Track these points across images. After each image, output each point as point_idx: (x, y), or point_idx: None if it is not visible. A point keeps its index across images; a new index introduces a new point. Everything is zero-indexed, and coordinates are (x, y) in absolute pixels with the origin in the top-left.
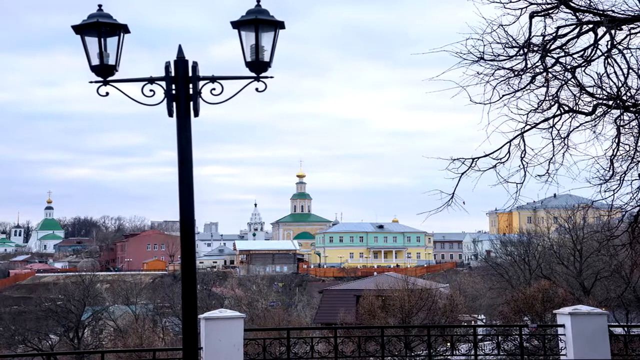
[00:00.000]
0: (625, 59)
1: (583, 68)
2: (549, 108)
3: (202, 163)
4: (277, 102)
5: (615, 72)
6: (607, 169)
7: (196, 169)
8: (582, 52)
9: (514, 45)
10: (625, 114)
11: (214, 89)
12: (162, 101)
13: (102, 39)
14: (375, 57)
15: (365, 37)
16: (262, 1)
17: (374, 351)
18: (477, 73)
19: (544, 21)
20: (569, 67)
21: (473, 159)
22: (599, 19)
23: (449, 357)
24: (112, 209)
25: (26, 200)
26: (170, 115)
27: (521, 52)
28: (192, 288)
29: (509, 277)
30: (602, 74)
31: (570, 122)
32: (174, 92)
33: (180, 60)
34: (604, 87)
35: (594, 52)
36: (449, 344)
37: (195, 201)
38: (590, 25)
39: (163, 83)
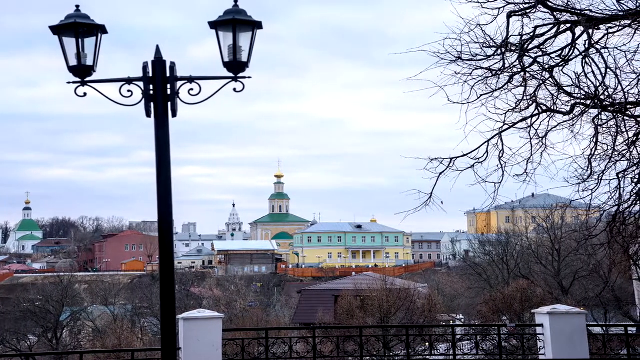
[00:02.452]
0: (603, 58)
1: (561, 67)
2: (527, 108)
3: (180, 163)
4: (255, 102)
5: (593, 72)
6: (585, 168)
7: (174, 169)
8: (560, 52)
9: (491, 45)
10: (603, 113)
11: (191, 89)
12: (140, 102)
13: (80, 40)
14: (353, 57)
15: (344, 37)
16: (240, 1)
17: (353, 351)
18: (455, 73)
19: (522, 21)
20: (546, 66)
21: (451, 159)
22: (576, 18)
23: (427, 357)
24: (91, 209)
25: (4, 201)
26: (148, 115)
27: (499, 51)
28: (170, 288)
29: (487, 277)
30: (580, 74)
31: (548, 121)
32: (151, 92)
33: (158, 61)
34: (581, 87)
35: (571, 51)
36: (427, 343)
37: (173, 201)
38: (568, 25)
39: (141, 83)
